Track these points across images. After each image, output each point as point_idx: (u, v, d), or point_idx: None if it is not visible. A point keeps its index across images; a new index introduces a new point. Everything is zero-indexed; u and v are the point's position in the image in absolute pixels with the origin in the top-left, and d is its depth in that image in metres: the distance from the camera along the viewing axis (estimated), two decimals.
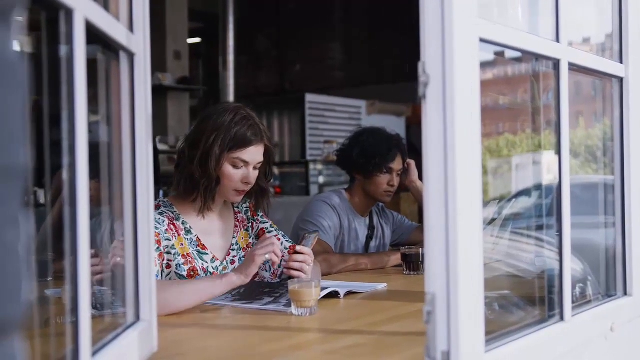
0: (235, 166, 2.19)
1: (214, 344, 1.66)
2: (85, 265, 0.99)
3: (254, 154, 2.21)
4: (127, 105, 1.34)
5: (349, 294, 2.18)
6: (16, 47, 0.59)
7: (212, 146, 2.15)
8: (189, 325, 1.81)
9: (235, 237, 2.35)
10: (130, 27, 1.34)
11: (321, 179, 7.41)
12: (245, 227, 2.40)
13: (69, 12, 0.98)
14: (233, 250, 2.33)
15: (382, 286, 2.34)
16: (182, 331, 1.76)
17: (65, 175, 0.99)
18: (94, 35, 1.10)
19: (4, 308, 0.55)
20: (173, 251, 2.15)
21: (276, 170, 7.63)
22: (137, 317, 1.35)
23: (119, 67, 1.32)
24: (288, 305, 1.91)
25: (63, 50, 0.99)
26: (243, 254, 2.34)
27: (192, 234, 2.23)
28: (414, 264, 2.63)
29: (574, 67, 1.56)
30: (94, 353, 1.06)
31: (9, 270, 0.55)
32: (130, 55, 1.33)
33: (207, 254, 2.24)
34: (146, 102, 1.37)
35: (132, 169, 1.34)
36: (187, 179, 2.20)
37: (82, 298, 0.99)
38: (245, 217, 2.41)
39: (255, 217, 2.42)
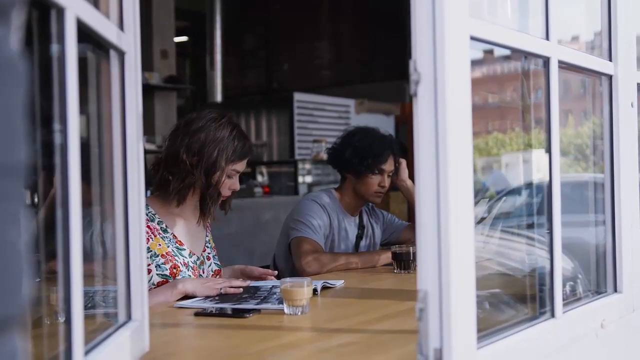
0: (230, 177, 2.29)
1: (206, 344, 1.66)
2: (77, 265, 0.99)
3: (245, 164, 2.34)
4: (118, 104, 1.33)
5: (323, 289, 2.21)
6: (16, 45, 0.59)
7: (218, 160, 2.23)
8: (180, 325, 1.81)
9: (208, 236, 2.45)
10: (121, 26, 1.33)
11: (310, 179, 7.40)
12: (210, 230, 2.50)
13: (60, 11, 0.97)
14: (208, 247, 2.42)
15: (339, 283, 2.37)
16: (173, 331, 1.76)
17: (56, 175, 0.99)
18: (84, 34, 1.09)
19: (7, 305, 0.55)
20: (149, 253, 2.18)
21: (264, 170, 7.62)
22: (129, 317, 1.35)
23: (109, 66, 1.32)
24: (281, 302, 1.90)
25: (54, 48, 0.99)
26: (214, 252, 2.45)
27: (168, 232, 2.28)
28: (404, 262, 2.63)
29: (563, 65, 1.56)
30: (87, 352, 1.06)
31: (11, 268, 0.55)
32: (121, 54, 1.33)
33: (185, 249, 2.30)
34: (137, 101, 1.37)
35: (123, 169, 1.34)
36: (187, 187, 2.25)
37: (74, 299, 0.98)
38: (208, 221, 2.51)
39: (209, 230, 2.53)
